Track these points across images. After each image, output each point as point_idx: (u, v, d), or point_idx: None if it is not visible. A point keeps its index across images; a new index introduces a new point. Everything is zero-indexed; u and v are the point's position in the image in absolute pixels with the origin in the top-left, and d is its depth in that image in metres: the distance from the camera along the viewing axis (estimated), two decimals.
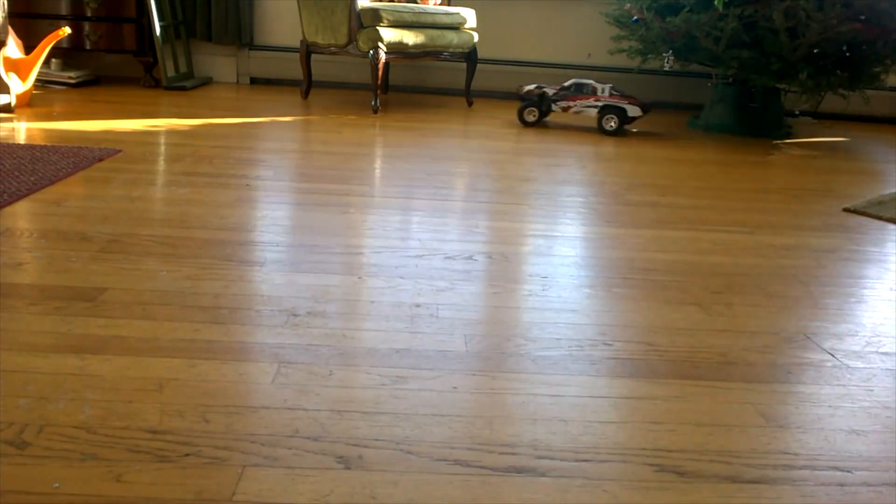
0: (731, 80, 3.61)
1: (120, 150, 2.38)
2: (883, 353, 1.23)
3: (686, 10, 3.22)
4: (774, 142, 3.42)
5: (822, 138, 3.62)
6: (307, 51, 3.71)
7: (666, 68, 3.56)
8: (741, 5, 3.08)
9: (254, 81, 4.36)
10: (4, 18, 2.90)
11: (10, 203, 1.75)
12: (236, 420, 0.92)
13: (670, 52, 3.43)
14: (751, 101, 3.59)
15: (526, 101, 3.41)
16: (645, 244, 1.75)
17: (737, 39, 3.17)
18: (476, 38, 3.77)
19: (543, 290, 1.42)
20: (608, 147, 3.03)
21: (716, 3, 3.07)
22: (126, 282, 1.33)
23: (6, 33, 2.92)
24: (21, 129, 2.66)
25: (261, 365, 1.06)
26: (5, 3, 2.90)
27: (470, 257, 1.58)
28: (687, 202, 2.16)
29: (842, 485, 0.87)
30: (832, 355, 1.21)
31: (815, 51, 3.19)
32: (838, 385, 1.11)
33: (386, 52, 3.43)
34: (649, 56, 3.60)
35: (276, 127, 3.04)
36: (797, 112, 3.93)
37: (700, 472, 0.88)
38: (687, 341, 1.23)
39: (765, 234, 1.89)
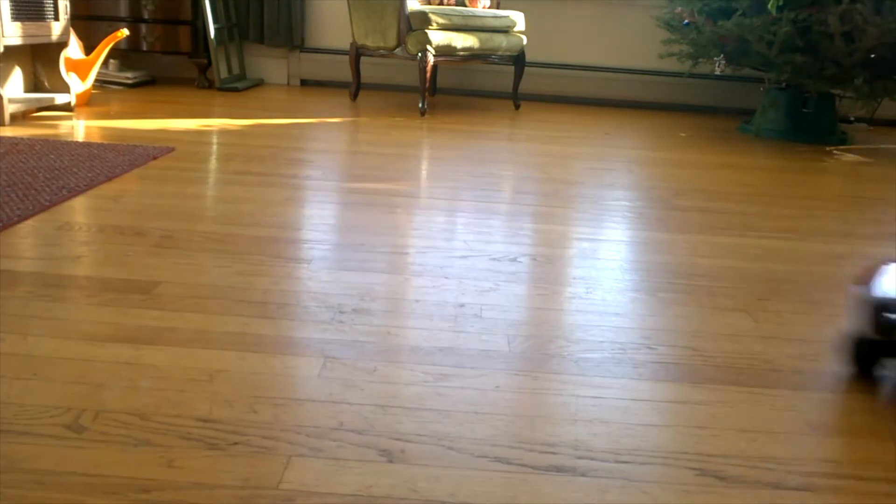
0: (783, 84, 3.55)
1: (173, 149, 2.45)
2: None
3: (739, 13, 3.18)
4: (828, 148, 3.35)
5: (877, 145, 3.54)
6: (356, 53, 3.76)
7: (717, 73, 3.52)
8: (795, 9, 3.03)
9: (304, 83, 4.42)
10: (66, 21, 2.99)
11: (69, 198, 1.82)
12: (283, 411, 0.94)
13: (722, 56, 3.39)
14: (804, 106, 3.53)
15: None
16: (692, 249, 1.73)
17: (790, 44, 3.12)
18: (525, 41, 3.77)
19: (587, 292, 1.42)
20: (658, 152, 3.01)
21: (769, 6, 3.02)
22: (179, 276, 1.37)
23: (68, 35, 3.02)
24: (80, 128, 2.75)
25: (307, 359, 1.09)
26: (67, 5, 2.99)
27: (514, 259, 1.59)
28: (736, 208, 2.14)
29: (888, 495, 0.85)
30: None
31: (872, 55, 3.12)
32: (885, 395, 1.09)
33: (434, 55, 3.45)
34: (700, 60, 3.56)
35: (325, 128, 3.08)
36: (852, 118, 3.84)
37: (742, 477, 0.87)
38: (732, 347, 1.22)
39: (816, 242, 1.86)
